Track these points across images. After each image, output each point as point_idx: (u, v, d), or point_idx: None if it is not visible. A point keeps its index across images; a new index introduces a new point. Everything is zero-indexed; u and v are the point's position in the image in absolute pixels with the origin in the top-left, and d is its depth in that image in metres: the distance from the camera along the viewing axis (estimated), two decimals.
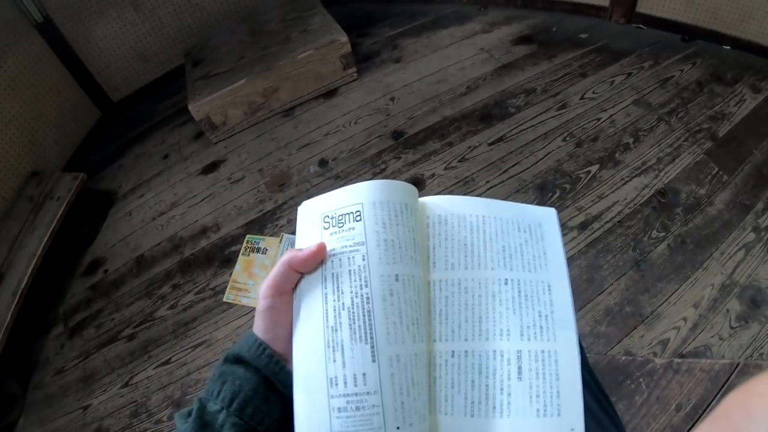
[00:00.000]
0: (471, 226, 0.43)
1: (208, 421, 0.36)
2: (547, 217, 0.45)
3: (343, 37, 2.03)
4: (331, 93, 2.18)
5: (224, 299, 1.58)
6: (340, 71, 2.14)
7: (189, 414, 0.37)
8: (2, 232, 1.70)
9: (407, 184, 0.42)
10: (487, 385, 0.38)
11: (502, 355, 0.39)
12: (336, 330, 0.37)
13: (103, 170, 2.18)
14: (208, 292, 1.62)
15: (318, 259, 0.39)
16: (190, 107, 1.96)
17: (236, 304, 1.56)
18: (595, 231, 1.49)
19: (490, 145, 1.80)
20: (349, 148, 1.93)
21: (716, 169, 1.56)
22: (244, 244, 1.70)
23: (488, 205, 0.44)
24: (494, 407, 0.38)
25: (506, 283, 0.41)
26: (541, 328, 0.39)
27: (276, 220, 1.76)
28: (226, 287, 1.61)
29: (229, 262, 1.68)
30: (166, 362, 1.50)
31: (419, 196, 0.44)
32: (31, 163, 1.92)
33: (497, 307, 0.40)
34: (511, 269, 0.41)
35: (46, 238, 1.63)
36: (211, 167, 2.03)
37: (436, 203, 0.44)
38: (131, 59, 2.31)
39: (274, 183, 1.89)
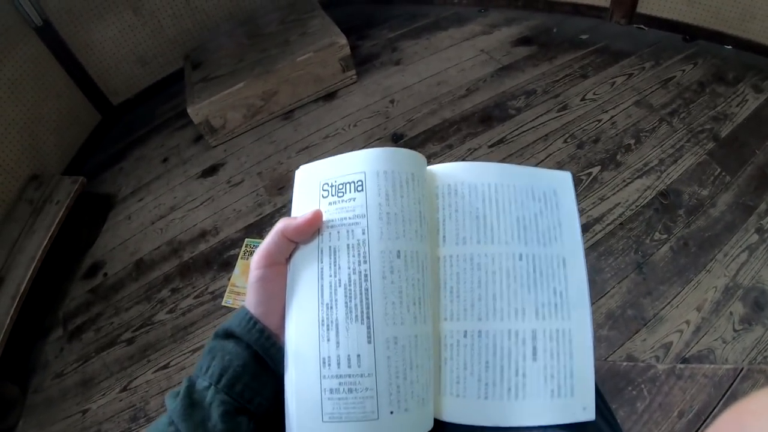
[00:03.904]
0: (483, 196, 0.40)
1: (196, 399, 0.34)
2: (561, 182, 0.42)
3: (342, 40, 2.03)
4: (330, 96, 2.17)
5: (223, 303, 1.58)
6: (340, 74, 2.13)
7: (179, 393, 0.35)
8: (2, 236, 1.70)
9: (414, 152, 0.40)
10: (502, 367, 0.37)
11: (517, 335, 0.37)
12: (331, 308, 0.35)
13: (102, 173, 2.18)
14: (207, 296, 1.62)
15: (314, 227, 0.37)
16: (189, 110, 1.95)
17: (235, 308, 1.56)
18: (596, 233, 1.47)
19: (490, 147, 1.79)
20: (348, 151, 1.91)
21: (719, 170, 1.55)
22: (243, 248, 1.69)
23: (501, 171, 0.41)
24: (509, 389, 0.37)
25: (521, 259, 0.39)
26: (555, 306, 0.38)
27: (275, 223, 1.75)
28: (224, 291, 1.60)
29: (228, 265, 1.67)
30: (165, 366, 1.49)
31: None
32: (31, 167, 1.92)
33: (512, 285, 0.38)
34: (526, 243, 0.39)
35: (45, 242, 1.63)
36: (211, 171, 2.03)
37: (446, 172, 0.41)
38: (131, 63, 2.31)
39: (274, 186, 1.88)
